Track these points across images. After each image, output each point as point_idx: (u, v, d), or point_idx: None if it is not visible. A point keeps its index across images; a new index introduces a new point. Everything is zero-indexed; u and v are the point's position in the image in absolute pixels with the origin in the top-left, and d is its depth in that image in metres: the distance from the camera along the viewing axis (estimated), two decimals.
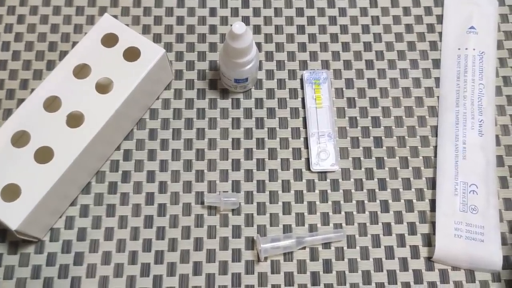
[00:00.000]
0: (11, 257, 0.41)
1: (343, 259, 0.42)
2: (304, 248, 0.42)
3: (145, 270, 0.41)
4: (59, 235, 0.42)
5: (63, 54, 0.48)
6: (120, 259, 0.41)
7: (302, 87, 0.47)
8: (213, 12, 0.50)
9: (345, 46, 0.49)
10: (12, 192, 0.38)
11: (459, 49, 0.49)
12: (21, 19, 0.49)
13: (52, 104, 0.41)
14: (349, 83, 0.48)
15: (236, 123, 0.46)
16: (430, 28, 0.50)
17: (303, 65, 0.48)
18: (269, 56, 0.49)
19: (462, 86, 0.47)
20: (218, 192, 0.43)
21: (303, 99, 0.47)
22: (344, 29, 0.50)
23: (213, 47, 0.49)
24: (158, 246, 0.42)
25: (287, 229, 0.42)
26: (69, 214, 0.42)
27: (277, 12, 0.50)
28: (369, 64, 0.48)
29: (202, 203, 0.43)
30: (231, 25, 0.39)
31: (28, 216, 0.37)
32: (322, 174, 0.44)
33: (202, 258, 0.41)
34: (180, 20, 0.50)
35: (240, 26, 0.39)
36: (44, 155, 0.39)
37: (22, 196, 0.37)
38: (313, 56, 0.49)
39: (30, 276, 0.40)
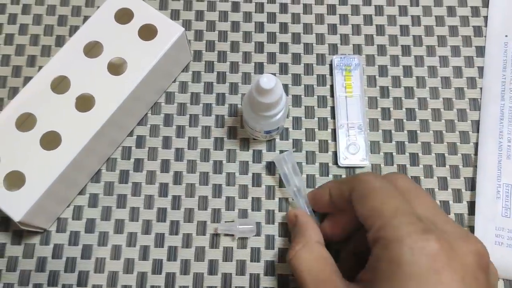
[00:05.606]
0: (15, 248, 0.38)
1: None
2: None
3: (157, 267, 0.38)
4: (66, 226, 0.39)
5: (73, 29, 0.44)
6: (131, 254, 0.38)
7: (331, 74, 0.43)
8: None
9: (380, 29, 0.45)
10: (16, 180, 0.35)
11: (506, 36, 0.44)
12: None
13: (60, 84, 0.38)
14: (383, 71, 0.44)
15: None
16: (475, 11, 0.46)
17: (333, 49, 0.44)
18: (296, 38, 0.44)
19: (508, 77, 0.43)
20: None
21: (331, 86, 0.43)
22: (379, 10, 0.45)
23: (235, 26, 0.45)
24: (171, 242, 0.39)
25: None
26: (77, 204, 0.40)
27: None
28: (406, 50, 0.44)
29: (219, 196, 0.40)
30: (258, 79, 0.33)
31: (33, 206, 0.34)
32: (351, 170, 0.41)
33: (219, 256, 0.38)
34: None
35: (268, 80, 0.33)
36: (51, 140, 0.36)
37: (27, 185, 0.35)
38: (344, 39, 0.44)
39: (34, 269, 0.38)
